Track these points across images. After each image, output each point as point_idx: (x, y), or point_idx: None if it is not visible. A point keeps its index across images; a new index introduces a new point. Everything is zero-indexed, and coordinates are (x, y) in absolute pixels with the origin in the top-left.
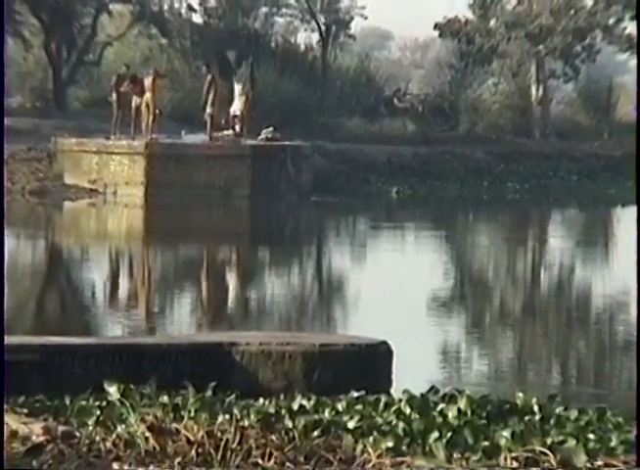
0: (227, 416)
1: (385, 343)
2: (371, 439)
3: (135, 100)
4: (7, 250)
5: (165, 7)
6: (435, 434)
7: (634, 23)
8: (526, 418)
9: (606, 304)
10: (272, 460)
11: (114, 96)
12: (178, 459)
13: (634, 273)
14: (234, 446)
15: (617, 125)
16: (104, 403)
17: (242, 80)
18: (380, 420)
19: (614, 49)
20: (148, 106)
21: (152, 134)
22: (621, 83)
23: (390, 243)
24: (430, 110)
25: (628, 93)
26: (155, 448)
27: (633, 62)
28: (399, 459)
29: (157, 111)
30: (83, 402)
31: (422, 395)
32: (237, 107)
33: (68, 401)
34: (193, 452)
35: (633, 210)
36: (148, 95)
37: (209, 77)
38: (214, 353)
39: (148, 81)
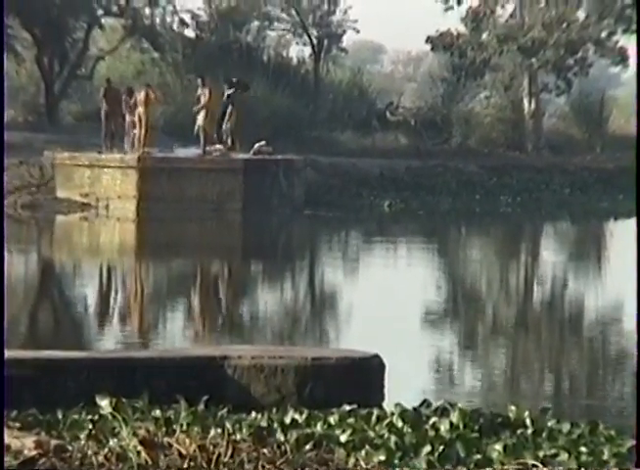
0: (219, 430)
1: (377, 356)
2: (363, 452)
3: (128, 114)
4: None
5: (157, 21)
6: (428, 447)
7: (626, 36)
8: (519, 431)
9: (598, 318)
10: None
11: (103, 109)
12: None
13: (627, 287)
14: (226, 459)
15: (609, 139)
16: (96, 417)
17: (230, 95)
18: (372, 434)
19: (606, 62)
20: (140, 120)
21: (144, 148)
22: (614, 97)
23: (383, 257)
24: (422, 123)
25: (621, 106)
26: (147, 462)
27: (625, 75)
28: None
29: (149, 125)
30: (75, 416)
31: (414, 408)
32: (226, 121)
33: (60, 416)
34: (185, 466)
35: (626, 223)
36: (140, 109)
37: (203, 91)
38: (206, 367)
39: (140, 96)
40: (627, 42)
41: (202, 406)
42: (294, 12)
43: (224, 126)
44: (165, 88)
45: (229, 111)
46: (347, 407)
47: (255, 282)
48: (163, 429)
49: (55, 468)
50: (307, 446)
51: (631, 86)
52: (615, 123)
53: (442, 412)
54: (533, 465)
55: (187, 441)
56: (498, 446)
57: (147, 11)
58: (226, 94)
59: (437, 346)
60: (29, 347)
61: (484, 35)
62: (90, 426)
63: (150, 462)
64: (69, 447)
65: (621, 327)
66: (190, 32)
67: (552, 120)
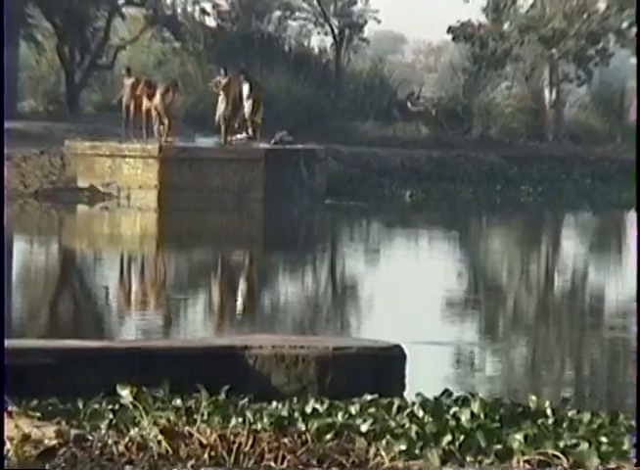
0: (240, 419)
1: (398, 346)
2: (384, 442)
3: (146, 103)
4: (20, 253)
5: (179, 10)
6: (449, 437)
7: None
8: (539, 421)
9: (619, 308)
10: (285, 463)
11: (124, 98)
12: (191, 462)
13: None
14: (247, 449)
15: (630, 129)
16: (116, 407)
17: (250, 84)
18: (393, 423)
19: (627, 53)
20: (159, 112)
21: (165, 137)
22: (635, 87)
23: (404, 246)
24: (443, 113)
25: None
26: (167, 452)
27: None
28: (412, 462)
29: (170, 116)
30: (96, 406)
31: (435, 398)
32: (247, 111)
33: (80, 405)
34: (206, 455)
35: None
36: (157, 102)
37: (225, 80)
38: (227, 357)
39: (160, 89)
40: None
41: (222, 396)
42: (315, 1)
43: (245, 116)
44: (187, 78)
45: (250, 101)
46: (368, 397)
47: (277, 272)
48: (184, 418)
49: (75, 457)
50: (328, 436)
51: None
52: (635, 114)
53: (463, 402)
54: (554, 455)
55: (208, 430)
56: (519, 436)
57: (168, 0)
58: (246, 84)
59: (459, 336)
60: (50, 336)
61: (505, 25)
62: (111, 415)
63: (170, 451)
64: (90, 437)
65: None
66: (211, 22)
67: (573, 110)
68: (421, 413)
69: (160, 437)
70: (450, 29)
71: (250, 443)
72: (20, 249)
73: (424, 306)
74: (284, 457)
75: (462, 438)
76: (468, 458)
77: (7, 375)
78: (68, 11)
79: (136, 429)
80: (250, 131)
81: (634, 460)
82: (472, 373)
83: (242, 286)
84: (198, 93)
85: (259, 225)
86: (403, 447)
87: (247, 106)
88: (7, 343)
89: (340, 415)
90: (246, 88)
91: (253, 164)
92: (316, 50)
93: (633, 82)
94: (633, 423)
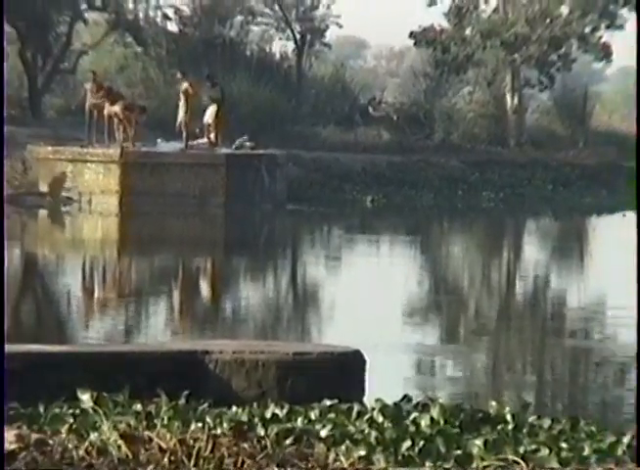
0: (200, 424)
1: (358, 352)
2: (343, 447)
3: (108, 108)
4: None
5: (141, 15)
6: (408, 442)
7: (610, 31)
8: (499, 427)
9: (580, 312)
10: (244, 468)
11: (87, 103)
12: (150, 467)
13: (609, 281)
14: (206, 454)
15: (592, 134)
16: (77, 411)
17: (213, 89)
18: (352, 429)
19: (589, 58)
20: (119, 116)
21: (127, 142)
22: (597, 92)
23: (365, 252)
24: (405, 118)
25: (604, 102)
26: (127, 456)
27: (609, 70)
28: (371, 468)
29: (130, 122)
30: (57, 410)
31: (395, 403)
32: (208, 116)
33: (41, 409)
34: (165, 460)
35: (608, 218)
36: (119, 107)
37: (185, 85)
38: (188, 362)
39: (127, 103)
40: (611, 38)
41: (182, 401)
42: (277, 7)
43: (206, 121)
44: (148, 83)
45: (211, 105)
46: (328, 402)
47: (238, 277)
48: (144, 423)
49: (36, 462)
50: (288, 441)
51: (614, 82)
52: (597, 119)
53: (423, 407)
54: (514, 461)
55: (167, 435)
56: (479, 442)
57: (130, 5)
58: (208, 89)
59: (419, 341)
60: (11, 341)
61: (468, 31)
62: (71, 420)
63: (130, 456)
64: (50, 441)
65: (604, 321)
66: (173, 27)
67: (535, 116)
68: (380, 419)
69: (120, 441)
70: (412, 34)
71: (209, 447)
72: None
73: (384, 312)
74: (243, 462)
75: (421, 443)
76: (427, 464)
77: None
78: (30, 16)
79: (96, 433)
80: (211, 136)
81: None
82: (432, 378)
83: (203, 291)
84: (159, 98)
85: (220, 230)
86: (363, 453)
87: (209, 111)
88: None
89: (299, 420)
90: (209, 93)
91: (215, 169)
92: (278, 55)
93: (595, 87)
94: (594, 429)
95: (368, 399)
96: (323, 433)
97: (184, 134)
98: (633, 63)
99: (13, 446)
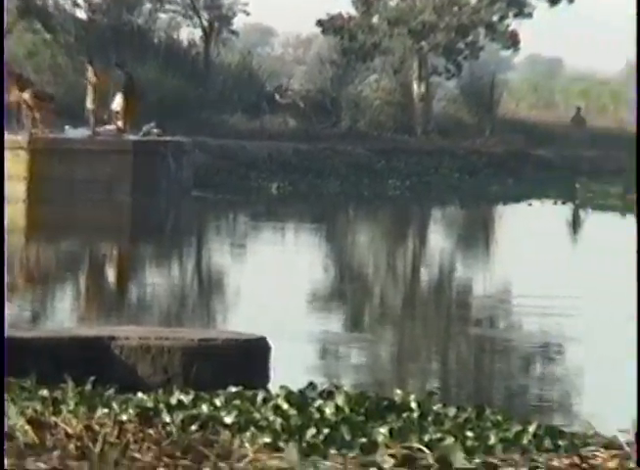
0: (106, 410)
1: (263, 338)
2: (248, 434)
3: (16, 95)
4: None
5: (50, 2)
6: (313, 430)
7: (517, 20)
8: (405, 415)
9: (485, 302)
10: (150, 454)
11: None
12: (57, 452)
13: (515, 269)
14: (112, 439)
15: (499, 122)
16: None
17: (122, 76)
18: (257, 415)
19: (497, 46)
20: (28, 102)
21: (36, 129)
22: (505, 80)
23: (271, 239)
24: (311, 106)
25: (511, 90)
26: (34, 442)
27: (517, 59)
28: (276, 454)
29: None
30: None
31: (299, 391)
32: (117, 103)
33: None
34: (71, 446)
35: (514, 207)
36: (27, 94)
37: (91, 72)
38: (94, 348)
39: (35, 90)
40: (518, 26)
41: (89, 386)
42: None
43: (114, 108)
44: (57, 69)
45: (119, 92)
46: (233, 389)
47: (144, 264)
48: (51, 408)
49: None
50: (193, 428)
51: (522, 70)
52: (505, 107)
53: (328, 395)
54: (419, 449)
55: (74, 420)
56: (384, 430)
57: None
58: (116, 76)
59: (324, 328)
60: None
61: (375, 18)
62: None
63: (37, 441)
64: None
65: (509, 309)
66: (82, 14)
67: (442, 104)
68: (285, 406)
69: (27, 427)
70: (320, 22)
71: (115, 433)
72: None
73: (289, 299)
74: (149, 448)
75: (326, 431)
76: (332, 451)
77: None
78: None
79: None
80: (119, 123)
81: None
82: (337, 366)
83: (109, 277)
84: (68, 84)
85: (127, 217)
86: (267, 440)
87: (117, 98)
88: None
89: (204, 407)
90: (117, 80)
91: (122, 156)
92: (186, 42)
93: (503, 75)
94: (499, 418)
95: (273, 386)
96: (228, 419)
97: (91, 121)
98: (540, 51)
99: None
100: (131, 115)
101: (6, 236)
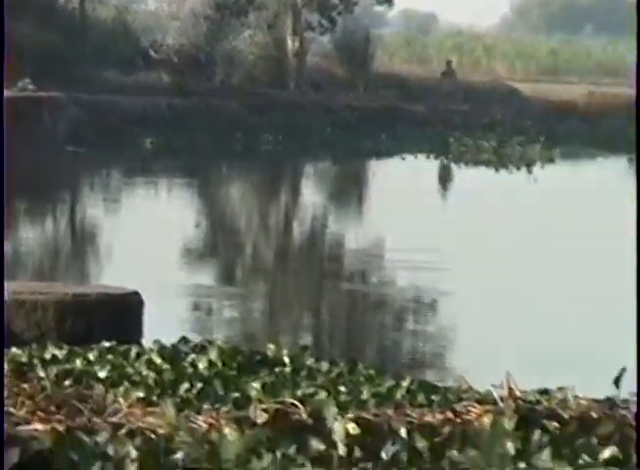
0: None
1: (136, 293)
2: (122, 389)
3: None
4: None
5: None
6: (186, 384)
7: None
8: (277, 370)
9: (357, 257)
10: (24, 409)
11: None
12: None
13: (386, 224)
14: None
15: (373, 77)
16: None
17: None
18: (131, 370)
19: (371, 1)
20: None
21: None
22: (379, 35)
23: (144, 194)
24: (185, 61)
25: (385, 45)
26: None
27: (390, 14)
28: (150, 409)
29: None
30: None
31: (172, 345)
32: None
33: None
34: None
35: (387, 162)
36: None
37: None
38: None
39: None
40: None
41: None
42: None
43: None
44: None
45: None
46: (107, 344)
47: (16, 219)
48: None
49: None
50: (67, 382)
51: (395, 25)
52: (378, 62)
53: (201, 349)
54: (292, 404)
55: None
56: (256, 385)
57: None
58: None
59: (197, 282)
60: None
61: None
62: None
63: None
64: None
65: (381, 264)
66: None
67: (315, 59)
68: (159, 360)
69: None
70: None
71: None
72: None
73: (162, 254)
74: (23, 403)
75: (200, 385)
76: (205, 406)
77: None
78: None
79: None
80: None
81: None
82: (209, 320)
83: None
84: None
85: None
86: (141, 395)
87: None
88: None
89: (78, 362)
90: None
91: None
92: None
93: (377, 31)
94: (372, 372)
95: (146, 341)
96: (102, 374)
97: None
98: (414, 6)
99: None
100: (5, 70)
101: None
